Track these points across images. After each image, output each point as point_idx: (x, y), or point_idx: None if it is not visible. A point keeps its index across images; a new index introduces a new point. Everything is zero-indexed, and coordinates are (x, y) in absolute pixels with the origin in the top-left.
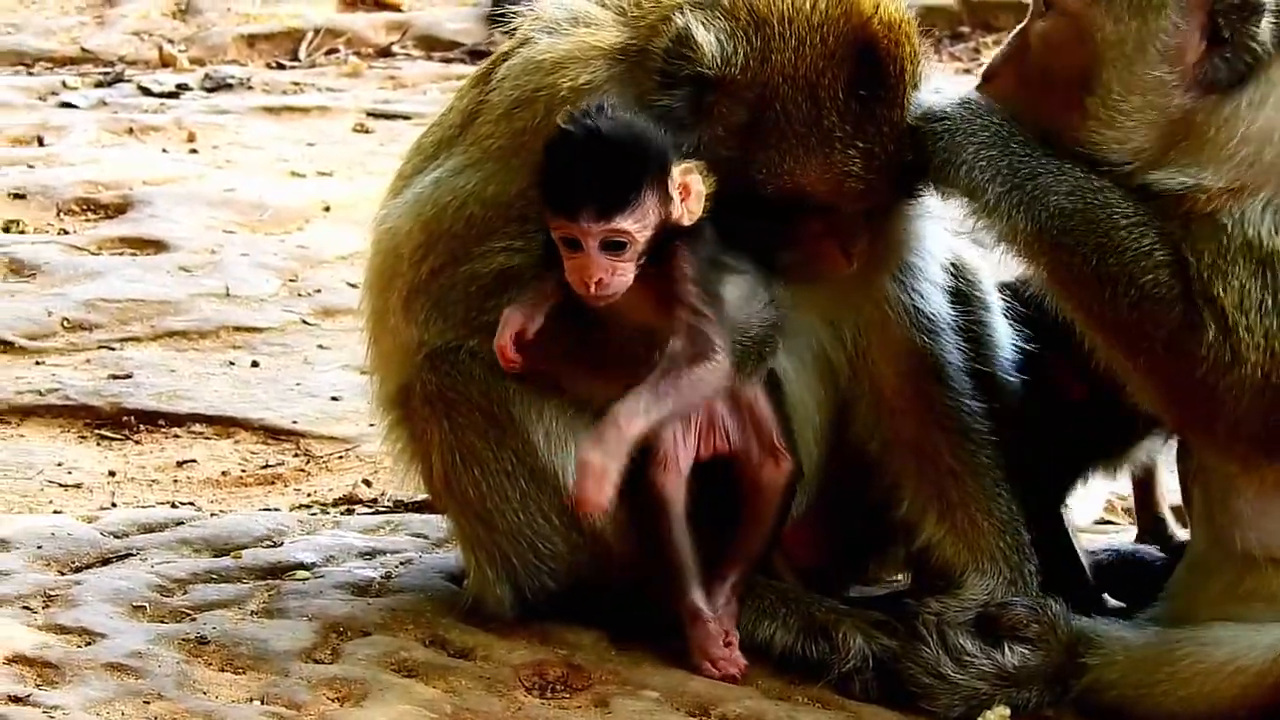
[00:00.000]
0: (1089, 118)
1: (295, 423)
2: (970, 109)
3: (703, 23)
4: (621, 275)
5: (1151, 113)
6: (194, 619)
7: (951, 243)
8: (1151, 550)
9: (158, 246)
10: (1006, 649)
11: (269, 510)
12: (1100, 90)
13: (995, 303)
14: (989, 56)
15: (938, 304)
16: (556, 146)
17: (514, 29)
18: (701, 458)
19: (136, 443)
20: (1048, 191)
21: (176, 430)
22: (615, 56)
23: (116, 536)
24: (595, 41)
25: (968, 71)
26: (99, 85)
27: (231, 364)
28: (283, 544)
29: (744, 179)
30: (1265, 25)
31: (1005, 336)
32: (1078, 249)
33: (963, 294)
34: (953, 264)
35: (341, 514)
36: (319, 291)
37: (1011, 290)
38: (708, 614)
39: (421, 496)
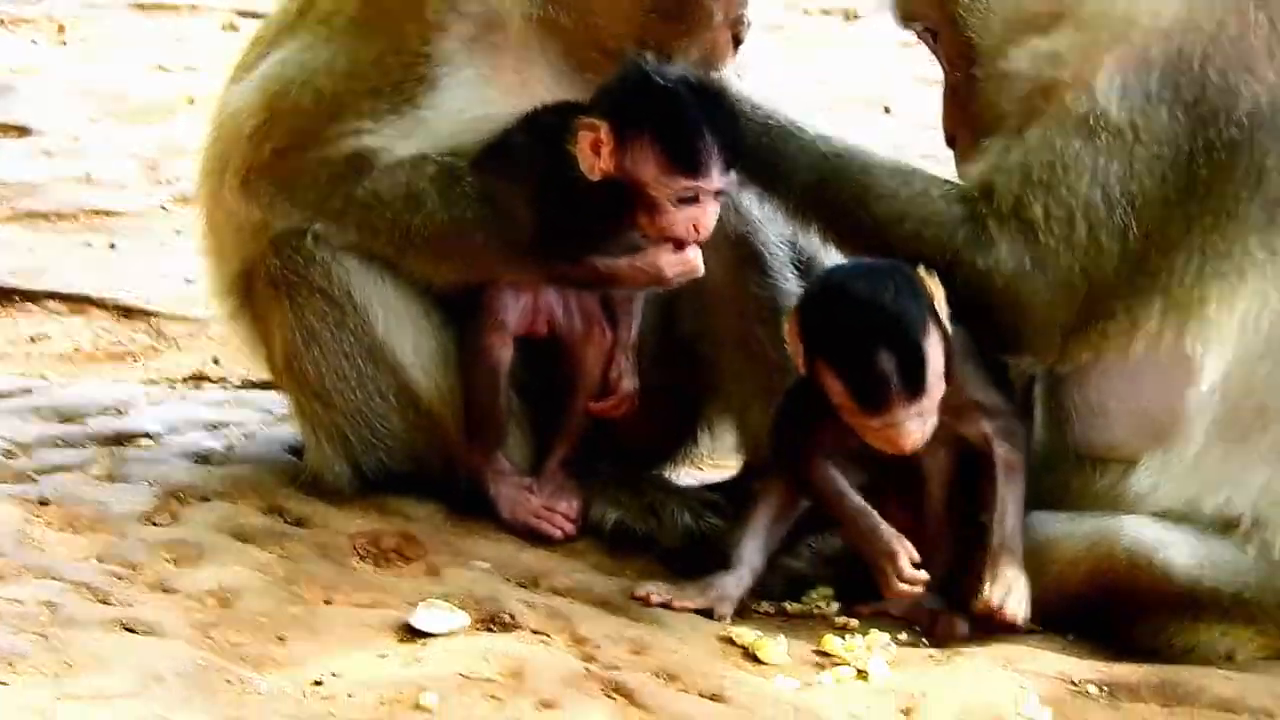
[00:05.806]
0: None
1: (149, 302)
2: None
3: None
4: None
5: None
6: (36, 481)
7: None
8: None
9: (20, 131)
10: (829, 532)
11: (118, 383)
12: None
13: None
14: None
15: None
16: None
17: None
18: (529, 333)
19: None
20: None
21: (30, 305)
22: None
23: None
24: None
25: None
26: None
27: (89, 245)
28: (129, 414)
29: None
30: None
31: None
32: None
33: None
34: None
35: (190, 390)
36: (179, 180)
37: None
38: (513, 473)
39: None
